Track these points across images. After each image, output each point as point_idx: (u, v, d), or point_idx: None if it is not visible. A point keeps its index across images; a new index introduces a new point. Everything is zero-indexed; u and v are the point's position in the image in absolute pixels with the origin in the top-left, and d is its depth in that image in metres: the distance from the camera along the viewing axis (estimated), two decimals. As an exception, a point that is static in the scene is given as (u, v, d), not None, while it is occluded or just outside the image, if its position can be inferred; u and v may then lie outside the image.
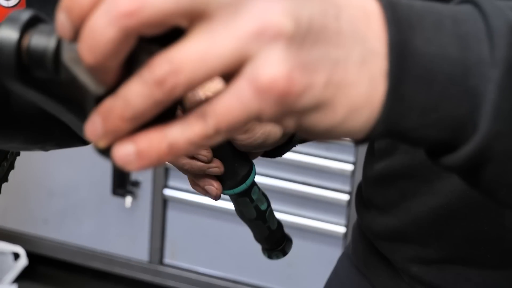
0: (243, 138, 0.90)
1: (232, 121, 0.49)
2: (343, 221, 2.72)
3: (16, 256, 2.97)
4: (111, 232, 3.04)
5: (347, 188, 2.68)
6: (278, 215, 2.99)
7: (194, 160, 0.91)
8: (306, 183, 2.71)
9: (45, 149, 0.68)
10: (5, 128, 0.62)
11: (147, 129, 0.49)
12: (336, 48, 0.52)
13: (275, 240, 1.04)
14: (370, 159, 1.10)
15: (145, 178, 2.93)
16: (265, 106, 0.49)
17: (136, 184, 2.94)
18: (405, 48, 0.54)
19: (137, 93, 0.47)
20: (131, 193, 2.95)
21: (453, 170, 0.59)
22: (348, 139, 0.57)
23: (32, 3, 0.66)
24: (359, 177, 2.65)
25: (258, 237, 1.04)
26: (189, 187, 3.19)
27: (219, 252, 2.93)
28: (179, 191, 2.90)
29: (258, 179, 2.94)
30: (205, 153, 0.91)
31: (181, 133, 0.49)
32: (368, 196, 1.09)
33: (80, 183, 3.02)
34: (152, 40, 0.48)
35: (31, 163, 3.01)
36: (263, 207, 1.02)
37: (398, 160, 1.01)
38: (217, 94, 0.49)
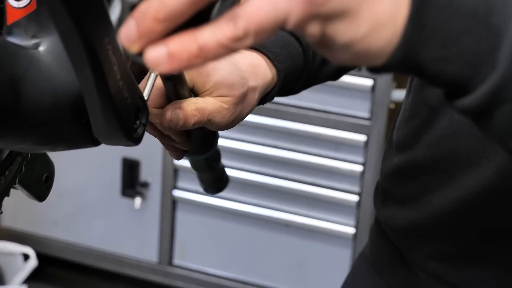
0: (218, 120, 0.93)
1: (261, 23, 0.50)
2: (352, 222, 2.72)
3: (26, 257, 2.97)
4: (121, 233, 3.05)
5: (356, 189, 2.68)
6: (287, 216, 2.97)
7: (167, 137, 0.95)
8: (315, 184, 2.71)
9: (55, 150, 0.68)
10: (15, 129, 0.62)
11: (179, 33, 0.50)
12: None
13: (214, 180, 1.14)
14: (389, 153, 1.10)
15: (154, 179, 2.93)
16: (293, 7, 0.51)
17: (145, 185, 2.95)
18: None
19: None
20: (141, 194, 2.95)
21: (468, 112, 0.60)
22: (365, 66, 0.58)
23: (43, 4, 0.66)
24: (368, 178, 2.65)
25: (200, 176, 1.14)
26: (199, 188, 3.18)
27: (228, 253, 2.93)
28: (188, 192, 2.90)
29: (268, 179, 2.91)
30: (180, 137, 0.95)
31: (212, 35, 0.50)
32: (387, 191, 1.09)
33: (90, 184, 3.02)
34: None
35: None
36: (215, 164, 1.10)
37: (419, 154, 1.01)
38: None
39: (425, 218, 1.01)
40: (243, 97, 0.93)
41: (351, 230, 2.72)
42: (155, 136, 0.95)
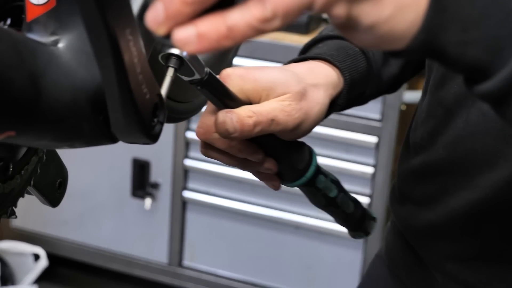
0: (283, 119, 0.86)
1: (289, 5, 0.51)
2: (362, 224, 2.71)
3: (37, 257, 2.98)
4: (131, 234, 3.05)
5: (367, 191, 2.67)
6: (297, 218, 2.97)
7: (247, 161, 0.90)
8: (326, 185, 2.70)
9: (74, 146, 0.68)
10: (36, 125, 0.62)
11: (207, 15, 0.51)
12: None
13: (354, 222, 1.02)
14: (405, 155, 1.09)
15: (164, 180, 2.94)
16: None
17: (155, 186, 2.95)
18: None
19: None
20: (151, 195, 2.96)
21: (488, 97, 0.60)
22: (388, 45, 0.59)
23: (62, 1, 0.66)
24: (379, 179, 2.65)
25: (336, 221, 1.03)
26: (209, 189, 3.17)
27: (238, 254, 2.93)
28: (198, 193, 2.90)
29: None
30: (257, 156, 0.90)
31: (241, 16, 0.51)
32: (404, 192, 1.09)
33: (100, 185, 3.02)
34: None
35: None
36: (332, 194, 0.98)
37: (436, 155, 1.01)
38: None
39: (442, 219, 1.01)
40: (303, 93, 0.88)
41: (361, 232, 2.72)
42: (231, 164, 0.92)
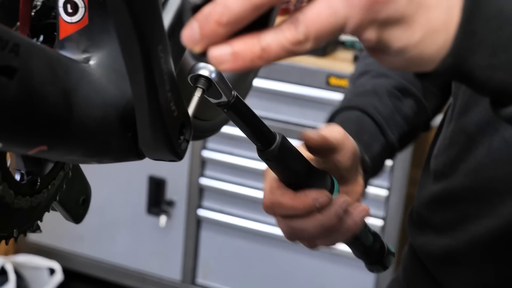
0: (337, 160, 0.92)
1: (321, 28, 0.53)
2: (376, 246, 2.71)
3: (52, 271, 3.00)
4: (145, 250, 3.06)
5: (381, 213, 2.68)
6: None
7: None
8: (340, 207, 2.71)
9: (102, 162, 0.70)
10: (67, 140, 0.63)
11: (241, 35, 0.54)
12: None
13: (372, 255, 1.01)
14: (425, 181, 1.10)
15: (179, 198, 2.95)
16: (352, 13, 0.54)
17: (170, 203, 2.96)
18: None
19: None
20: (166, 213, 2.97)
21: None
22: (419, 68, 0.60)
23: (94, 19, 0.68)
24: (393, 202, 2.65)
25: (354, 253, 1.03)
26: (223, 207, 3.18)
27: (251, 273, 2.94)
28: (213, 211, 2.91)
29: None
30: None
31: (274, 38, 0.53)
32: (423, 218, 1.09)
33: (116, 201, 3.04)
34: None
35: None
36: None
37: (457, 182, 1.01)
38: (309, 4, 0.54)
39: (462, 246, 1.01)
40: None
41: (374, 254, 2.72)
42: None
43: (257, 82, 2.59)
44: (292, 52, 0.54)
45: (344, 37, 2.78)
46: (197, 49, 0.54)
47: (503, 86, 0.60)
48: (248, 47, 0.53)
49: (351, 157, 0.94)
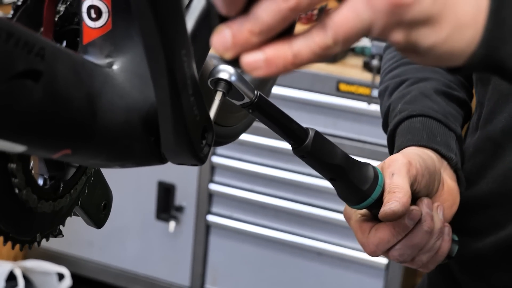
0: None
1: (348, 32, 0.54)
2: (385, 252, 2.71)
3: (61, 276, 3.00)
4: (154, 256, 3.06)
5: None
6: (320, 245, 2.96)
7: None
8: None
9: (125, 166, 0.70)
10: (91, 144, 0.64)
11: (272, 42, 0.55)
12: None
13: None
14: None
15: (189, 204, 2.96)
16: (377, 16, 0.54)
17: (180, 209, 2.97)
18: None
19: (267, 9, 0.53)
20: (175, 218, 2.97)
21: None
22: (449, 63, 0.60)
23: (117, 25, 0.69)
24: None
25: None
26: (232, 213, 3.18)
27: (260, 279, 2.94)
28: (222, 217, 2.91)
29: (301, 207, 2.91)
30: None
31: (305, 43, 0.55)
32: (451, 224, 1.09)
33: (125, 207, 3.05)
34: None
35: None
36: None
37: (485, 188, 1.02)
38: (335, 10, 0.55)
39: (491, 250, 1.01)
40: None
41: (383, 261, 2.72)
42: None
43: (267, 88, 2.60)
44: (322, 56, 0.55)
45: (354, 44, 2.78)
46: (228, 55, 0.55)
47: None
48: (280, 53, 0.54)
49: (424, 173, 0.93)
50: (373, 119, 2.62)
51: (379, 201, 0.90)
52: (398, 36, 0.57)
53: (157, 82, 0.63)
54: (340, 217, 2.72)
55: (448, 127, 1.03)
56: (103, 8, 0.68)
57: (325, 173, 0.88)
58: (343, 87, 2.65)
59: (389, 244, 0.90)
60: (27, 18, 0.69)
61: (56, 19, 0.72)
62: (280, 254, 2.87)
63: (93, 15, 0.68)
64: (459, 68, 0.61)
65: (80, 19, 0.69)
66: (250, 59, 0.54)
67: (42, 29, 0.70)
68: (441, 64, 0.61)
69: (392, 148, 1.04)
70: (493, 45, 0.58)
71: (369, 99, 2.61)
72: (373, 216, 0.92)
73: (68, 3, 0.73)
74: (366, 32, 0.55)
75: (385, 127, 1.10)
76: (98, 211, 0.83)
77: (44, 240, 0.74)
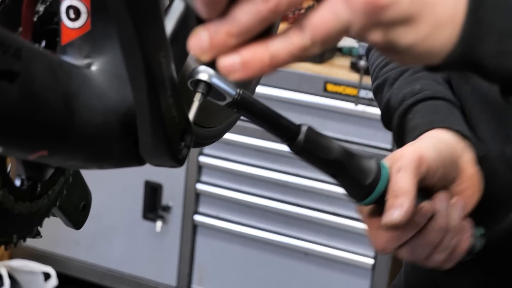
0: None
1: (326, 32, 0.54)
2: (371, 253, 2.72)
3: (47, 276, 2.99)
4: (141, 256, 3.06)
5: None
6: (307, 245, 2.96)
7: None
8: (336, 213, 2.71)
9: (102, 167, 0.70)
10: (67, 146, 0.63)
11: (250, 44, 0.54)
12: None
13: None
14: None
15: (176, 203, 2.95)
16: (355, 16, 0.54)
17: (166, 209, 2.96)
18: None
19: (246, 11, 0.53)
20: (162, 218, 2.97)
21: None
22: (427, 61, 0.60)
23: (97, 25, 0.68)
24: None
25: None
26: (219, 213, 3.18)
27: (247, 279, 2.94)
28: (209, 217, 2.91)
29: (288, 207, 2.92)
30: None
31: (282, 45, 0.54)
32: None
33: (112, 206, 3.04)
34: None
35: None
36: None
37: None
38: (313, 10, 0.54)
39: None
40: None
41: (370, 261, 2.72)
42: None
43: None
44: (299, 57, 0.55)
45: (342, 44, 2.78)
46: (206, 57, 0.54)
47: None
48: (257, 55, 0.54)
49: (438, 165, 0.89)
50: (361, 120, 2.62)
51: (385, 196, 0.86)
52: (376, 36, 0.57)
53: (135, 84, 0.63)
54: (327, 217, 2.72)
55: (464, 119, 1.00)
56: (82, 8, 0.68)
57: (324, 169, 0.85)
58: (330, 87, 2.65)
59: (399, 241, 0.86)
60: (5, 18, 0.69)
61: (35, 19, 0.71)
62: (267, 254, 2.87)
63: (72, 16, 0.68)
64: (437, 67, 0.61)
65: (59, 19, 0.69)
66: (226, 62, 0.54)
67: (20, 29, 0.70)
68: (420, 62, 0.61)
69: (402, 129, 0.99)
70: (470, 44, 0.59)
71: (356, 99, 2.61)
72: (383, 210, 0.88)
73: (48, 3, 0.72)
74: (344, 32, 0.55)
75: (385, 117, 1.04)
76: (77, 212, 0.82)
77: (30, 240, 0.73)
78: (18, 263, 3.00)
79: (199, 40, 0.54)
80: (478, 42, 0.59)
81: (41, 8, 0.72)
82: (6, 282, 2.89)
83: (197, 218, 2.93)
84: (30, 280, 2.98)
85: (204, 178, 2.89)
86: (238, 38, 0.53)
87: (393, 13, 0.56)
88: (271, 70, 0.55)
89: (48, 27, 0.73)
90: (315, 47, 0.54)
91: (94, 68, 0.68)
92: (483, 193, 0.98)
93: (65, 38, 0.68)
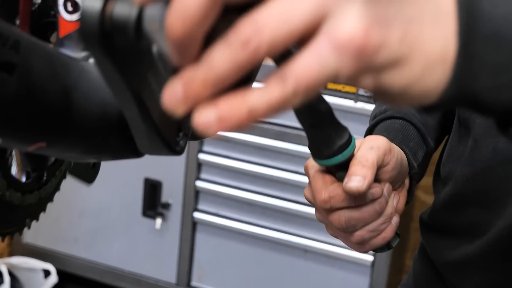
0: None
1: (311, 81, 0.48)
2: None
3: (47, 273, 3.00)
4: (140, 253, 3.06)
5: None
6: (306, 242, 2.97)
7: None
8: (336, 210, 2.72)
9: (100, 159, 0.70)
10: (65, 138, 0.64)
11: (227, 95, 0.49)
12: (409, 6, 0.53)
13: None
14: (437, 188, 1.11)
15: (175, 201, 2.95)
16: (343, 62, 0.49)
17: (166, 206, 2.96)
18: (473, 10, 0.55)
19: (222, 56, 0.48)
20: (161, 215, 2.97)
21: None
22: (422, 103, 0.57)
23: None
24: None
25: None
26: (219, 210, 3.18)
27: (246, 276, 2.94)
28: (209, 214, 2.91)
29: (288, 204, 2.92)
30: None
31: (261, 97, 0.49)
32: (436, 223, 1.10)
33: (112, 203, 3.04)
34: (229, 10, 0.49)
35: (64, 183, 3.03)
36: None
37: (467, 186, 1.02)
38: (296, 57, 0.49)
39: (476, 249, 1.02)
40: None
41: (369, 258, 2.73)
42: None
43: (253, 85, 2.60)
44: (280, 109, 0.50)
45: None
46: (181, 111, 0.50)
47: (510, 107, 0.57)
48: (234, 110, 0.49)
49: (396, 167, 0.96)
50: (360, 117, 2.62)
51: (346, 164, 0.90)
52: (367, 81, 0.53)
53: (124, 106, 0.59)
54: (326, 214, 2.72)
55: (424, 139, 1.05)
56: (80, 1, 0.68)
57: (307, 117, 0.85)
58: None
59: (341, 203, 0.92)
60: (3, 10, 0.69)
61: (33, 11, 0.72)
62: (267, 251, 2.88)
63: (70, 8, 0.68)
64: (433, 107, 0.58)
65: (57, 12, 0.69)
66: (201, 119, 0.49)
67: (18, 21, 0.70)
68: (415, 104, 0.57)
69: None
70: (464, 81, 0.56)
71: (355, 96, 2.62)
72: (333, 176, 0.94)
73: (45, -4, 0.73)
74: (331, 80, 0.50)
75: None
76: (88, 170, 0.83)
77: (30, 237, 0.74)
78: (18, 260, 3.01)
79: (173, 92, 0.49)
80: (472, 78, 0.56)
81: (38, 1, 0.72)
82: (6, 279, 2.90)
83: (197, 215, 2.93)
84: (30, 277, 2.99)
85: (203, 175, 2.89)
86: (213, 87, 0.49)
87: (384, 56, 0.51)
88: (249, 123, 0.50)
89: (46, 20, 0.73)
90: (297, 98, 0.49)
91: (91, 60, 0.69)
92: (477, 188, 0.99)
93: (63, 31, 0.69)
